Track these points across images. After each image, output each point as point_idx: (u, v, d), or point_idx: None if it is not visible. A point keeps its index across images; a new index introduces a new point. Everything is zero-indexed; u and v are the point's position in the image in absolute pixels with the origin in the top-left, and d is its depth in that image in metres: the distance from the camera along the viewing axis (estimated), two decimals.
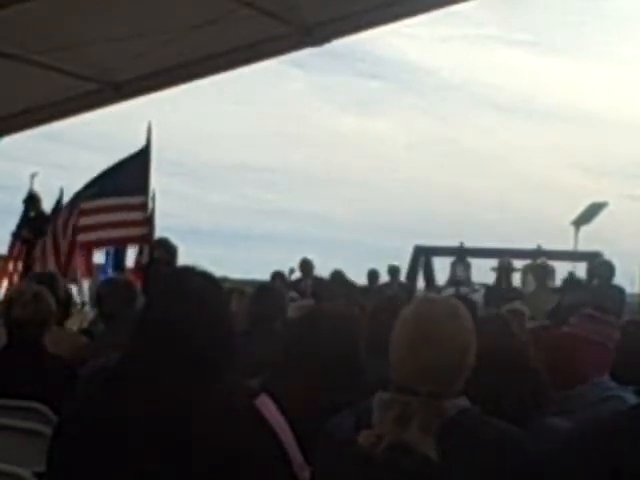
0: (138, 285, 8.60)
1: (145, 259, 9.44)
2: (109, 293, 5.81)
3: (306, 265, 13.61)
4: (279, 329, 5.35)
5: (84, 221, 9.05)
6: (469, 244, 14.12)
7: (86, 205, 9.09)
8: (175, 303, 2.66)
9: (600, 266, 11.02)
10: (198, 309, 2.65)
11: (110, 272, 10.00)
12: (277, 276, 12.86)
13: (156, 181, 9.16)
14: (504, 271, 12.39)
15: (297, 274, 13.71)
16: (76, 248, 9.24)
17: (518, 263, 13.25)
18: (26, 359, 4.58)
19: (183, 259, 8.85)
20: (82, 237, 9.07)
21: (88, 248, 9.53)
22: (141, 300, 5.99)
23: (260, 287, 6.13)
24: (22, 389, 4.35)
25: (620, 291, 10.48)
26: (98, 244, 9.37)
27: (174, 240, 9.34)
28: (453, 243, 14.27)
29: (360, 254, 13.55)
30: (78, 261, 9.81)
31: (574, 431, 2.58)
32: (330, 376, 3.42)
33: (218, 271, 2.86)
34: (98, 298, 5.97)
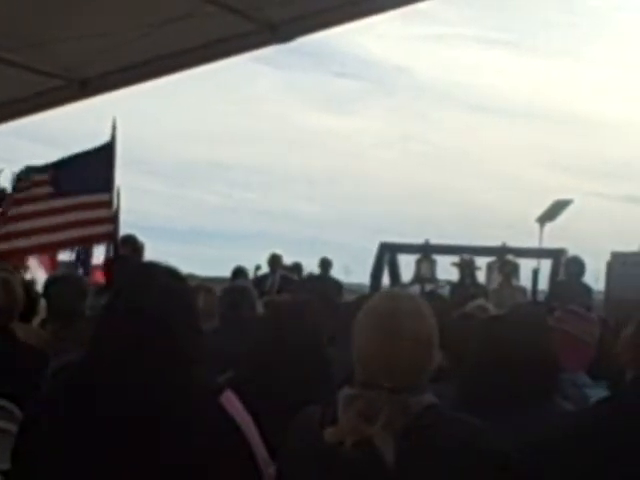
0: (103, 281, 8.63)
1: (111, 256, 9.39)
2: (60, 290, 5.79)
3: (275, 260, 13.44)
4: (248, 327, 5.36)
5: (46, 221, 8.95)
6: (435, 241, 14.12)
7: (47, 204, 8.99)
8: (143, 296, 2.65)
9: (570, 262, 11.01)
10: (166, 302, 2.64)
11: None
12: (239, 273, 12.31)
13: (122, 178, 9.11)
14: (467, 268, 12.47)
15: (263, 270, 13.60)
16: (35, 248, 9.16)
17: (483, 260, 13.33)
18: None
19: (149, 256, 8.81)
20: (46, 238, 8.99)
21: (53, 249, 9.46)
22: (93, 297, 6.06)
23: (230, 286, 6.16)
24: None
25: (587, 288, 10.51)
26: (63, 245, 9.29)
27: (140, 237, 9.31)
28: (419, 240, 14.27)
29: (325, 252, 13.55)
30: (42, 258, 9.77)
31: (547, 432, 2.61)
32: (298, 371, 3.43)
33: (184, 268, 2.86)
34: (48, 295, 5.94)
